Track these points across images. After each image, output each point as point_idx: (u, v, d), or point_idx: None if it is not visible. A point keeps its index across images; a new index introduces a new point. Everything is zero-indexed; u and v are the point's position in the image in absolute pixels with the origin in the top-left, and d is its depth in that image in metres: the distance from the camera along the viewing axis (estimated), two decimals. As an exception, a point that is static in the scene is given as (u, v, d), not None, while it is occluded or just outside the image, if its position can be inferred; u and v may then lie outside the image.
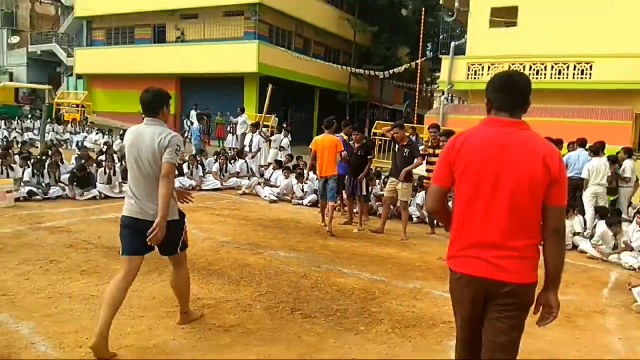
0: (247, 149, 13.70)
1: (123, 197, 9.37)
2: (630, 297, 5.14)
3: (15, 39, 32.29)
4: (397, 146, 7.67)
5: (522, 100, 2.29)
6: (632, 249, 6.63)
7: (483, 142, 2.25)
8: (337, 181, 7.81)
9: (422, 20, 22.14)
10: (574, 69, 16.47)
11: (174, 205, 3.51)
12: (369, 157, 8.23)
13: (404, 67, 23.07)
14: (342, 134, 8.82)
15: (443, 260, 6.24)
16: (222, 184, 11.44)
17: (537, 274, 2.25)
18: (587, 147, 9.33)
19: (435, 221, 8.31)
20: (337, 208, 9.31)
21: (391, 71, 22.84)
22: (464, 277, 2.27)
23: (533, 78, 16.91)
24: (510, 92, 2.29)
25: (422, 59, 22.83)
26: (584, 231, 7.87)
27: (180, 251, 3.61)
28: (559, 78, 16.54)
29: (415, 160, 7.46)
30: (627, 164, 9.19)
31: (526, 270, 2.21)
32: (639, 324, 4.54)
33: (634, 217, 7.82)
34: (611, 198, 9.21)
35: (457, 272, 2.30)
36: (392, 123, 8.70)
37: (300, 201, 10.02)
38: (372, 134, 17.35)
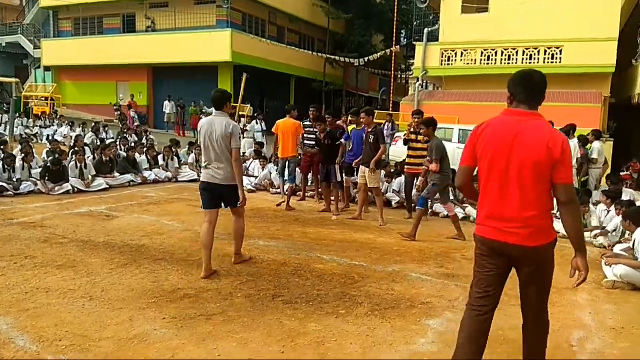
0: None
1: (96, 191, 9.37)
2: (600, 273, 5.34)
3: (-23, 31, 31.15)
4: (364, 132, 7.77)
5: (539, 95, 2.71)
6: (606, 233, 6.82)
7: (499, 128, 2.68)
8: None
9: (396, 7, 22.20)
10: (545, 54, 16.77)
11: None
12: (337, 142, 8.30)
13: (378, 54, 23.12)
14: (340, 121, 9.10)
15: (403, 237, 6.55)
16: (198, 175, 11.34)
17: (547, 236, 2.66)
18: (557, 129, 9.55)
19: (413, 205, 8.42)
20: (313, 196, 9.39)
21: (366, 58, 22.87)
22: (482, 239, 2.76)
23: (505, 63, 17.19)
24: (529, 88, 2.70)
25: (397, 46, 22.91)
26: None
27: (239, 205, 4.90)
28: (530, 62, 16.81)
29: (381, 147, 7.52)
30: (595, 145, 9.45)
31: (532, 235, 2.62)
32: (608, 299, 4.73)
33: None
34: (582, 179, 9.47)
35: (478, 235, 2.79)
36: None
37: (278, 190, 10.02)
38: (348, 121, 17.38)
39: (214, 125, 4.76)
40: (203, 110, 19.25)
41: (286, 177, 8.90)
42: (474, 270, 2.84)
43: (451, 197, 8.45)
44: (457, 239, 6.77)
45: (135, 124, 19.94)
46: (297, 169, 9.41)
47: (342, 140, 8.69)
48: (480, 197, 2.78)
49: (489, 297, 2.77)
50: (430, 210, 8.33)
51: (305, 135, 9.12)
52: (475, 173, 2.87)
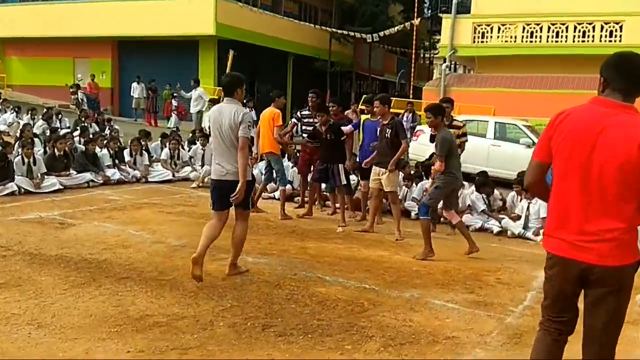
0: (206, 130, 13.62)
1: (48, 193, 9.38)
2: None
3: None
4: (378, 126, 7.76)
5: (639, 84, 2.72)
6: None
7: (582, 121, 2.70)
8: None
9: (418, -30, 22.25)
10: (601, 30, 16.75)
11: (248, 168, 5.21)
12: (342, 137, 8.30)
13: (396, 28, 23.16)
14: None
15: (418, 259, 6.43)
16: (173, 175, 11.39)
17: (630, 255, 2.66)
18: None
19: (439, 217, 8.40)
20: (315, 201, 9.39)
21: (381, 33, 22.89)
22: (552, 257, 2.81)
23: (552, 41, 17.17)
24: (630, 75, 2.70)
25: (419, 18, 22.93)
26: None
27: (233, 198, 5.11)
28: (583, 41, 16.81)
29: (402, 143, 7.51)
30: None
31: (611, 252, 2.63)
32: (677, 335, 4.71)
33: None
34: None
35: (549, 252, 2.84)
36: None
37: (271, 194, 10.03)
38: (359, 111, 17.40)
39: (223, 114, 5.12)
40: (175, 95, 19.24)
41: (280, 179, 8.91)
42: (544, 289, 2.94)
43: (482, 207, 8.48)
44: (470, 253, 6.71)
45: (83, 108, 19.34)
46: (295, 168, 9.43)
47: (351, 127, 8.67)
48: (551, 201, 2.83)
49: (562, 323, 2.85)
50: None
51: (303, 128, 9.13)
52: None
